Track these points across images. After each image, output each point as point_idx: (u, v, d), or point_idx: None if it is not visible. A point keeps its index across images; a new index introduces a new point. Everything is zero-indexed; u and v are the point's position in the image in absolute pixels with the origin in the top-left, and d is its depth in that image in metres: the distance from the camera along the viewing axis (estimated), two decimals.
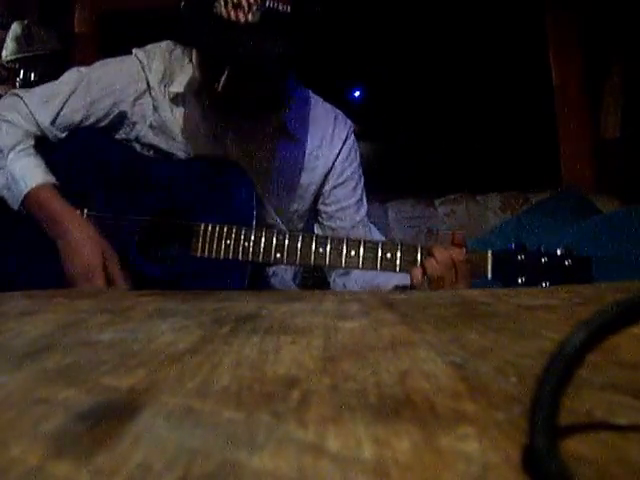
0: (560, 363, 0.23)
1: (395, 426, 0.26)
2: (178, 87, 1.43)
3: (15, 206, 1.34)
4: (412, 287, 1.22)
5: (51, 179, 1.36)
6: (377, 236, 1.55)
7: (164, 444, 0.24)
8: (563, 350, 0.23)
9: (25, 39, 3.13)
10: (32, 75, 3.19)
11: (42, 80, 2.79)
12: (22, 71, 3.20)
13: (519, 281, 1.17)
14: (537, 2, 3.07)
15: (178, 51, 1.47)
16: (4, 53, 3.22)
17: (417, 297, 0.77)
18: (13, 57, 3.18)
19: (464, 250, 1.22)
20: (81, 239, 1.29)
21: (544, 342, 0.42)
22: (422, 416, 0.27)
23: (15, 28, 3.17)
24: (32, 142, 1.41)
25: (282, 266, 1.47)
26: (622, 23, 2.76)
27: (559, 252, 1.17)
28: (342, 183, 1.52)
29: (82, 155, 1.43)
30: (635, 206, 1.95)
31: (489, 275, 1.19)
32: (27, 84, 3.22)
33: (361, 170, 1.58)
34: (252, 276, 1.30)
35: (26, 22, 3.17)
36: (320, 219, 1.55)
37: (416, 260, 1.22)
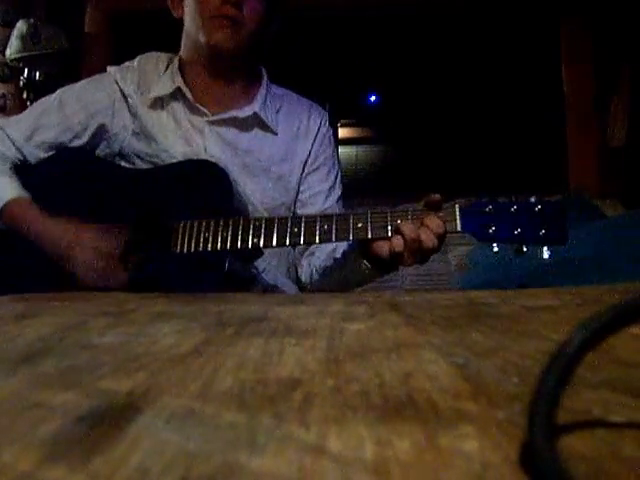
0: (560, 363, 0.23)
1: (397, 426, 0.26)
2: (156, 92, 1.46)
3: None
4: (391, 253, 1.21)
5: (25, 194, 1.37)
6: None
7: (163, 447, 0.24)
8: (563, 350, 0.23)
9: (31, 37, 3.12)
10: (37, 74, 3.19)
11: (47, 79, 2.79)
12: (26, 70, 3.20)
13: (490, 231, 1.17)
14: (552, 17, 3.09)
15: (150, 63, 1.52)
16: (8, 51, 3.20)
17: (423, 299, 0.76)
18: (17, 56, 3.17)
19: (435, 215, 1.21)
20: (66, 237, 1.30)
21: (546, 342, 0.42)
22: (424, 416, 0.27)
23: (20, 26, 3.15)
24: (7, 165, 1.43)
25: (270, 261, 1.47)
26: (631, 39, 2.79)
27: (530, 199, 1.16)
28: (316, 169, 1.55)
29: (60, 173, 1.44)
30: (637, 211, 1.96)
31: (458, 227, 1.18)
32: (31, 83, 3.21)
33: (336, 157, 1.60)
34: (233, 269, 1.31)
35: (32, 20, 3.16)
36: (294, 209, 1.55)
37: (386, 226, 1.21)
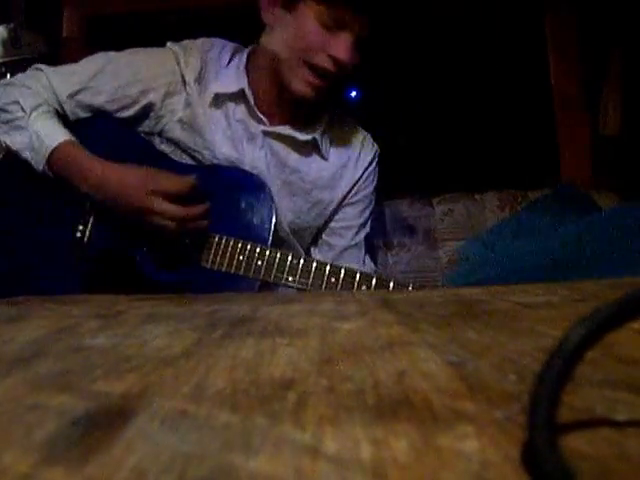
0: (559, 360, 0.23)
1: (393, 426, 0.26)
2: (217, 88, 1.42)
3: (40, 165, 1.31)
4: None
5: (76, 140, 1.34)
6: (369, 264, 1.57)
7: (158, 449, 0.24)
8: (562, 347, 0.23)
9: (12, 43, 3.11)
10: None
11: None
12: (8, 75, 3.19)
13: None
14: (536, 1, 3.08)
15: (214, 52, 1.46)
16: None
17: (415, 296, 0.76)
18: (0, 61, 3.16)
19: None
20: (120, 176, 1.28)
21: (543, 339, 0.42)
22: (420, 416, 0.27)
23: (1, 31, 3.14)
24: (53, 109, 1.39)
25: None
26: (621, 21, 2.76)
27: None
28: (354, 203, 1.55)
29: (98, 146, 1.38)
30: (634, 202, 1.95)
31: None
32: None
33: (374, 196, 1.60)
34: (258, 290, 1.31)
35: (12, 25, 3.15)
36: (319, 235, 1.56)
37: None
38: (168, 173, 1.29)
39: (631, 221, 1.74)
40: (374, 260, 1.62)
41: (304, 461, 0.22)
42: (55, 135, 1.32)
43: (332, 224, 1.53)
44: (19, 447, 0.24)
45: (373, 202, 1.59)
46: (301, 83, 1.33)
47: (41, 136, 1.31)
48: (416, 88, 3.79)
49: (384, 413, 0.28)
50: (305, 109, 1.45)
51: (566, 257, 1.62)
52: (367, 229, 1.57)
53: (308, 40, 1.31)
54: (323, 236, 1.55)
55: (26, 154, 1.33)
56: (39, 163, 1.31)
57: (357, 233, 1.54)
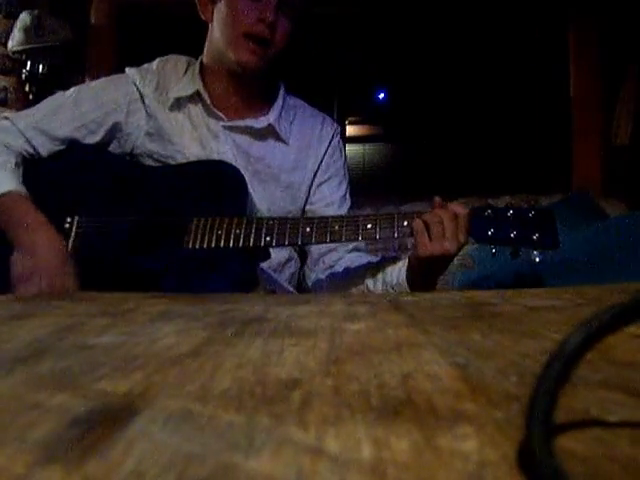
0: (558, 363, 0.23)
1: (395, 427, 0.26)
2: (176, 93, 1.48)
3: None
4: (415, 243, 1.24)
5: (23, 190, 1.36)
6: None
7: (159, 449, 0.24)
8: (562, 350, 0.23)
9: (34, 29, 3.09)
10: (40, 67, 3.17)
11: (51, 72, 2.77)
12: (29, 62, 3.18)
13: (488, 233, 1.23)
14: (560, 17, 3.09)
15: (170, 65, 1.54)
16: (10, 43, 3.18)
17: (425, 299, 0.76)
18: (20, 48, 3.14)
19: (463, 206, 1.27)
20: (36, 241, 1.29)
21: (546, 342, 0.42)
22: (422, 416, 0.27)
23: (24, 18, 3.12)
24: (12, 158, 1.42)
25: (276, 268, 1.49)
26: (637, 38, 2.79)
27: (524, 206, 1.22)
28: (327, 180, 1.58)
29: (73, 165, 1.45)
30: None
31: None
32: (34, 76, 3.19)
33: (346, 169, 1.64)
34: (243, 270, 1.32)
35: (36, 12, 3.13)
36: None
37: (393, 227, 1.25)
38: (72, 278, 1.30)
39: (637, 228, 1.74)
40: None
41: (305, 461, 0.22)
42: (2, 185, 1.35)
43: (314, 206, 1.56)
44: (15, 447, 0.24)
45: (346, 176, 1.63)
46: (245, 54, 1.40)
47: None
48: (440, 94, 3.79)
49: (387, 414, 0.28)
50: (257, 96, 1.53)
51: (575, 262, 1.62)
52: (348, 203, 1.60)
53: (237, 14, 1.39)
54: None
55: None
56: None
57: (339, 208, 1.57)
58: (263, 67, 1.44)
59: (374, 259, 1.48)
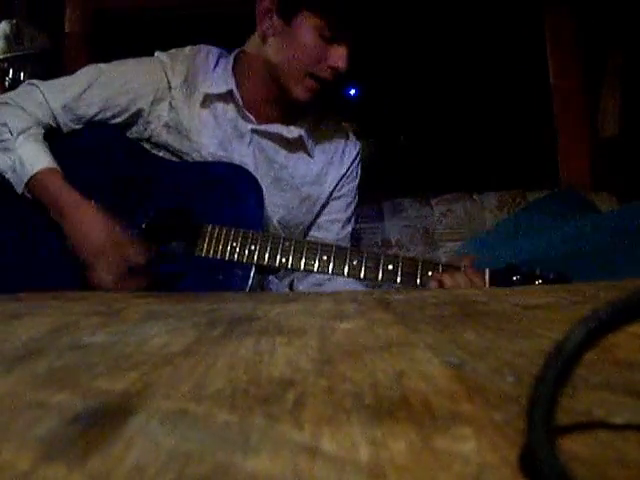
0: (558, 362, 0.23)
1: (391, 427, 0.26)
2: (206, 89, 1.46)
3: (19, 189, 1.34)
4: None
5: (57, 167, 1.35)
6: None
7: (158, 447, 0.24)
8: (561, 349, 0.23)
9: (14, 38, 3.09)
10: (22, 75, 3.17)
11: (32, 79, 2.77)
12: (11, 70, 3.17)
13: None
14: (536, 1, 3.08)
15: (201, 56, 1.51)
16: None
17: (413, 297, 0.76)
18: (2, 56, 3.14)
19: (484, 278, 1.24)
20: (88, 220, 1.30)
21: (542, 341, 0.42)
22: (418, 417, 0.27)
23: (4, 27, 3.12)
24: (42, 130, 1.41)
25: (280, 274, 1.49)
26: (620, 21, 2.76)
27: (551, 276, 1.19)
28: (339, 197, 1.59)
29: (92, 150, 1.43)
30: (633, 204, 1.95)
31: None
32: (16, 84, 3.18)
33: (357, 191, 1.64)
34: (254, 280, 1.32)
35: (15, 21, 3.13)
36: (307, 231, 1.59)
37: (416, 274, 1.24)
38: (132, 240, 1.30)
39: (630, 222, 1.75)
40: None
41: (302, 461, 0.22)
42: (37, 161, 1.34)
43: (319, 219, 1.57)
44: (19, 444, 0.24)
45: (357, 198, 1.63)
46: (303, 91, 1.39)
47: (23, 161, 1.34)
48: (415, 88, 3.78)
49: (382, 414, 0.28)
50: (294, 108, 1.50)
51: (566, 256, 1.62)
52: (352, 224, 1.61)
53: (309, 53, 1.37)
54: (311, 232, 1.58)
55: (8, 175, 1.35)
56: (19, 186, 1.34)
57: (343, 227, 1.58)
58: (314, 102, 1.44)
59: (362, 288, 1.49)
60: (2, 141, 1.37)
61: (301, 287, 1.53)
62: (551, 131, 2.98)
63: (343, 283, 1.48)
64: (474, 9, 3.34)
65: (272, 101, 1.49)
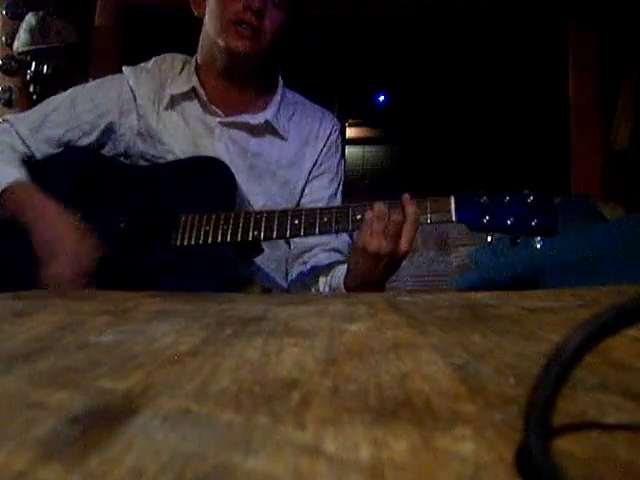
0: (556, 365, 0.23)
1: (393, 427, 0.26)
2: (171, 91, 1.49)
3: None
4: (360, 232, 1.23)
5: (26, 180, 1.37)
6: (342, 236, 1.57)
7: (159, 447, 0.24)
8: (560, 352, 0.23)
9: (40, 31, 3.10)
10: (45, 68, 3.18)
11: (56, 73, 2.79)
12: (34, 63, 3.19)
13: (484, 220, 1.20)
14: (559, 18, 3.09)
15: (166, 64, 1.56)
16: (16, 44, 3.19)
17: (423, 299, 0.76)
18: (25, 49, 3.15)
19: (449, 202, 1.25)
20: (50, 217, 1.30)
21: (545, 344, 0.42)
22: (420, 417, 0.27)
23: (29, 19, 3.13)
24: (17, 155, 1.44)
25: (269, 264, 1.49)
26: (635, 42, 2.79)
27: (523, 191, 1.19)
28: (318, 176, 1.58)
29: (65, 167, 1.46)
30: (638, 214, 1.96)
31: (453, 218, 1.21)
32: (39, 77, 3.21)
33: (341, 168, 1.63)
34: (237, 267, 1.32)
35: (41, 13, 3.14)
36: None
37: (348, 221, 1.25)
38: (90, 237, 1.30)
39: (637, 231, 1.74)
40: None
41: (303, 461, 0.23)
42: (6, 175, 1.36)
43: (303, 200, 1.56)
44: (16, 444, 0.24)
45: (340, 175, 1.62)
46: (235, 40, 1.41)
47: None
48: (440, 97, 3.79)
49: (385, 414, 0.28)
50: (253, 92, 1.55)
51: (575, 263, 1.62)
52: (338, 201, 1.59)
53: (227, 3, 1.41)
54: None
55: None
56: None
57: (328, 204, 1.55)
58: (255, 56, 1.44)
59: (340, 257, 1.48)
60: None
61: (294, 272, 1.53)
62: (565, 142, 2.99)
63: (325, 257, 1.47)
64: (500, 23, 3.35)
65: (233, 88, 1.52)
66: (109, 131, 1.50)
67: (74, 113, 1.49)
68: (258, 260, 1.43)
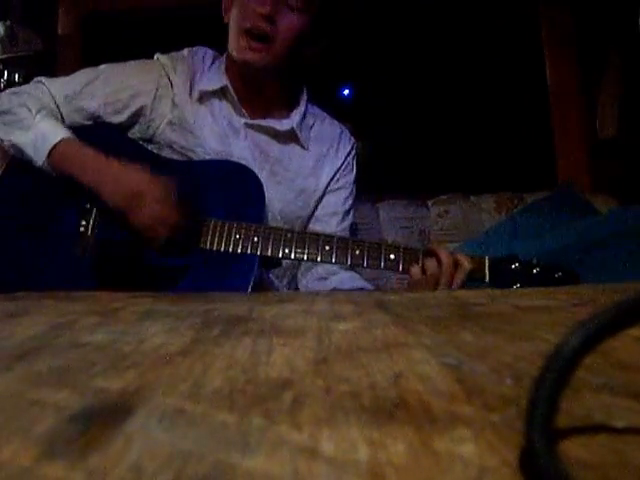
0: (557, 365, 0.23)
1: (390, 428, 0.26)
2: (203, 86, 1.50)
3: (40, 161, 1.35)
4: (408, 285, 1.27)
5: (73, 136, 1.38)
6: None
7: (156, 446, 0.24)
8: (560, 352, 0.23)
9: (9, 39, 3.10)
10: (16, 76, 3.17)
11: (27, 81, 2.80)
12: (6, 72, 3.18)
13: (514, 287, 1.22)
14: (533, 1, 3.07)
15: (198, 57, 1.56)
16: None
17: (411, 298, 0.76)
18: None
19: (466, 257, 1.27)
20: (119, 168, 1.32)
21: (541, 344, 0.42)
22: (417, 418, 0.27)
23: None
24: (52, 113, 1.44)
25: (280, 271, 1.50)
26: (617, 21, 2.74)
27: (552, 265, 1.22)
28: (336, 190, 1.61)
29: (100, 146, 1.43)
30: (632, 206, 1.95)
31: (487, 278, 1.24)
32: (11, 85, 3.19)
33: (355, 186, 1.66)
34: (257, 275, 1.33)
35: (9, 23, 3.14)
36: (307, 224, 1.59)
37: (417, 261, 1.26)
38: (164, 180, 1.32)
39: (630, 223, 1.75)
40: None
41: (301, 461, 0.22)
42: (57, 132, 1.37)
43: (318, 212, 1.59)
44: (19, 442, 0.24)
45: (354, 192, 1.65)
46: (244, 52, 1.42)
47: (45, 133, 1.36)
48: (412, 89, 3.78)
49: (380, 415, 0.28)
50: (278, 98, 1.56)
51: (565, 258, 1.62)
52: (351, 218, 1.63)
53: (240, 11, 1.42)
54: (310, 225, 1.60)
55: (28, 150, 1.37)
56: (40, 158, 1.35)
57: (342, 220, 1.60)
58: (267, 66, 1.44)
59: (367, 286, 1.50)
60: (21, 120, 1.39)
61: (304, 281, 1.54)
62: (549, 132, 2.96)
63: (348, 278, 1.49)
64: (470, 9, 3.34)
65: (258, 93, 1.53)
66: (140, 114, 1.49)
67: (109, 90, 1.48)
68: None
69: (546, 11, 3.02)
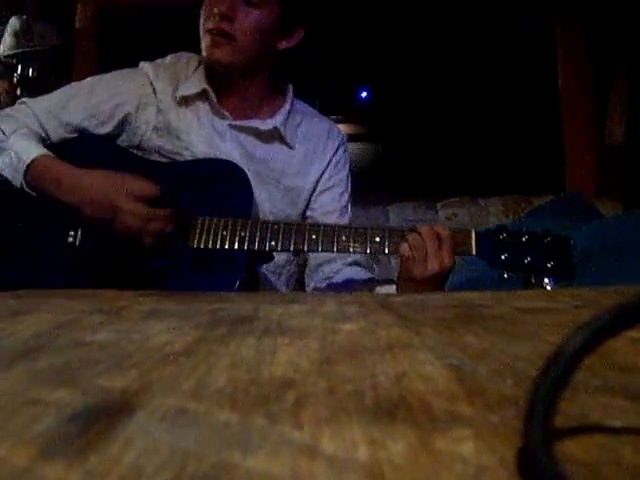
0: (557, 366, 0.23)
1: (390, 428, 0.26)
2: (184, 91, 1.50)
3: (18, 182, 1.36)
4: (400, 265, 1.26)
5: (51, 154, 1.39)
6: None
7: (157, 445, 0.24)
8: (560, 353, 0.23)
9: (24, 34, 3.11)
10: (30, 71, 3.18)
11: (41, 75, 2.79)
12: (20, 66, 3.18)
13: (502, 257, 1.22)
14: (547, 11, 3.08)
15: (182, 62, 1.57)
16: (1, 48, 3.18)
17: (416, 299, 0.76)
18: (11, 52, 3.15)
19: (447, 227, 1.27)
20: (95, 177, 1.34)
21: (542, 345, 0.42)
22: (418, 418, 0.27)
23: (14, 23, 3.13)
24: (32, 133, 1.45)
25: (274, 270, 1.49)
26: (626, 34, 2.77)
27: (540, 231, 1.21)
28: (328, 188, 1.59)
29: (83, 157, 1.45)
30: (637, 210, 1.95)
31: (473, 251, 1.23)
32: (25, 79, 3.20)
33: (349, 181, 1.65)
34: (246, 272, 1.33)
35: (25, 17, 3.14)
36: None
37: (404, 240, 1.25)
38: (137, 176, 1.35)
39: (635, 228, 1.74)
40: None
41: (301, 461, 0.22)
42: (30, 151, 1.38)
43: (314, 213, 1.58)
44: (17, 441, 0.24)
45: (349, 188, 1.64)
46: (209, 49, 1.44)
47: (19, 154, 1.38)
48: (424, 93, 3.78)
49: (382, 415, 0.28)
50: (260, 97, 1.56)
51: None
52: (349, 214, 1.62)
53: (204, 13, 1.45)
54: None
55: (6, 172, 1.39)
56: (17, 180, 1.37)
57: (340, 217, 1.58)
58: (233, 62, 1.45)
59: (373, 277, 1.50)
60: None
61: (312, 284, 1.53)
62: (558, 137, 2.97)
63: (354, 272, 1.49)
64: (486, 15, 3.35)
65: (237, 93, 1.54)
66: (125, 122, 1.50)
67: (93, 102, 1.49)
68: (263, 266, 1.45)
69: (561, 22, 3.05)
